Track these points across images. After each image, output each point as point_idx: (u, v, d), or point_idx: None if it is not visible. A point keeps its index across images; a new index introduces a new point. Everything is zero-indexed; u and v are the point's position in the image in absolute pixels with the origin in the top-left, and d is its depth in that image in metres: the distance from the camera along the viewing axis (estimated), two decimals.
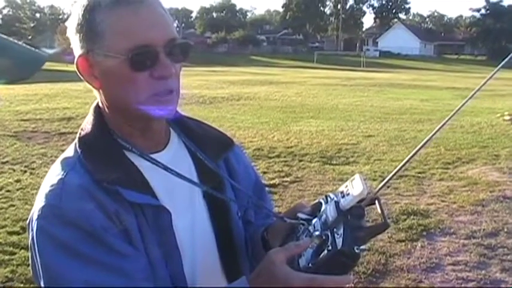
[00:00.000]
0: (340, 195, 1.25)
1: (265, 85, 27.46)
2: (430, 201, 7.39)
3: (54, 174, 1.27)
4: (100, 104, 1.34)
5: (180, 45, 1.28)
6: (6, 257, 5.18)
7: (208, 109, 16.84)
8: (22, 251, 5.30)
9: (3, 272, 4.90)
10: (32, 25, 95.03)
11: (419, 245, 5.76)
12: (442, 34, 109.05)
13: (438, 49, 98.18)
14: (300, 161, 9.69)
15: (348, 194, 1.22)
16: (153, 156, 1.34)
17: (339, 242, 1.15)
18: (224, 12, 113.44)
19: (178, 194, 1.37)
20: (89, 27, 1.23)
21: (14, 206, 6.73)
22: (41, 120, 13.03)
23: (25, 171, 8.49)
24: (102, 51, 1.22)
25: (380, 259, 5.32)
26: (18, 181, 7.90)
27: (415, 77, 39.31)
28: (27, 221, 1.27)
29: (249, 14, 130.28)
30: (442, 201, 7.39)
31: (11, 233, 5.78)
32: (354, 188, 1.22)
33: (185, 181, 1.34)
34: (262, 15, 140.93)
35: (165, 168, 1.32)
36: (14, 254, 5.26)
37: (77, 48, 1.27)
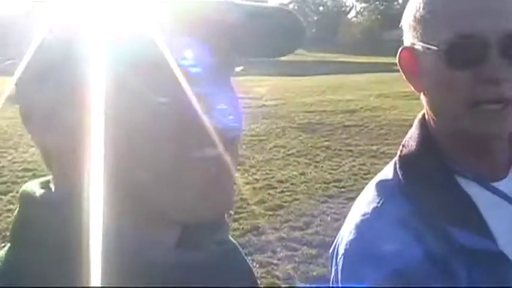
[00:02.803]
0: None
1: None
2: None
3: (367, 200, 1.13)
4: (425, 114, 1.14)
5: None
6: (289, 253, 5.12)
7: None
8: (304, 247, 5.24)
9: (286, 268, 4.84)
10: (315, 18, 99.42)
11: None
12: None
13: None
14: None
15: None
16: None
17: None
18: None
19: None
20: (419, 16, 1.07)
21: (297, 199, 6.74)
22: (325, 112, 13.20)
23: (309, 164, 8.52)
24: (422, 43, 1.05)
25: None
26: (302, 174, 7.94)
27: None
28: (332, 248, 1.16)
29: None
30: None
31: (294, 228, 5.74)
32: None
33: None
34: None
35: None
36: (297, 250, 5.21)
37: (405, 39, 1.13)
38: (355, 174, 7.77)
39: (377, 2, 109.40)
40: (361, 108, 13.77)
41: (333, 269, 1.13)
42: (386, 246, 1.04)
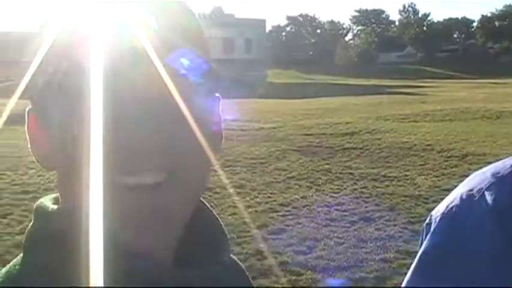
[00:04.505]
0: None
1: None
2: None
3: (468, 183, 1.12)
4: None
5: None
6: (293, 278, 5.08)
7: (495, 125, 15.54)
8: (309, 272, 5.18)
9: None
10: (313, 41, 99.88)
11: None
12: None
13: None
14: None
15: None
16: None
17: None
18: (507, 20, 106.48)
19: None
20: None
21: (300, 223, 6.69)
22: (325, 135, 13.20)
23: (311, 187, 8.50)
24: None
25: None
26: (304, 197, 7.90)
27: None
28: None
29: None
30: None
31: (298, 252, 5.69)
32: None
33: None
34: None
35: None
36: (301, 275, 5.15)
37: None
38: (357, 198, 7.74)
39: (374, 25, 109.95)
40: (360, 131, 13.78)
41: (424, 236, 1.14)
42: (468, 226, 1.05)
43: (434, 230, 1.09)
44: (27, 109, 0.70)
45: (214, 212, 0.79)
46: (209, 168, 0.72)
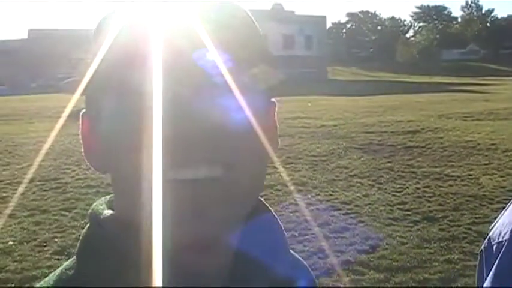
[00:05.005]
0: None
1: None
2: None
3: None
4: None
5: None
6: (356, 277, 5.04)
7: None
8: (372, 272, 5.14)
9: None
10: (373, 38, 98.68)
11: None
12: None
13: None
14: None
15: None
16: None
17: None
18: None
19: None
20: None
21: (362, 222, 6.65)
22: (386, 133, 13.06)
23: (373, 186, 8.42)
24: None
25: None
26: (366, 196, 7.84)
27: None
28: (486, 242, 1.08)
29: None
30: None
31: (360, 251, 5.65)
32: None
33: None
34: None
35: None
36: (364, 274, 5.11)
37: None
38: (420, 197, 7.63)
39: (436, 21, 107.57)
40: (423, 129, 13.57)
41: (486, 261, 1.08)
42: None
43: (501, 257, 1.02)
44: (81, 112, 0.69)
45: (272, 211, 0.77)
46: (265, 166, 0.69)
